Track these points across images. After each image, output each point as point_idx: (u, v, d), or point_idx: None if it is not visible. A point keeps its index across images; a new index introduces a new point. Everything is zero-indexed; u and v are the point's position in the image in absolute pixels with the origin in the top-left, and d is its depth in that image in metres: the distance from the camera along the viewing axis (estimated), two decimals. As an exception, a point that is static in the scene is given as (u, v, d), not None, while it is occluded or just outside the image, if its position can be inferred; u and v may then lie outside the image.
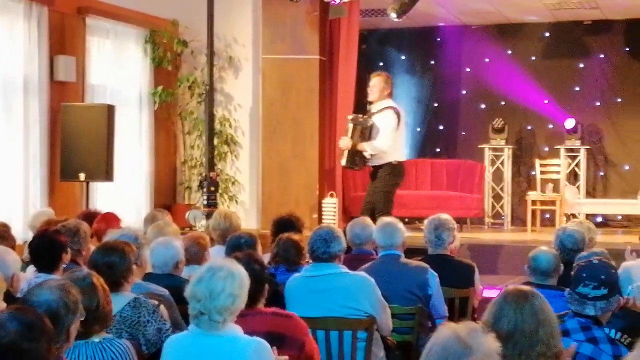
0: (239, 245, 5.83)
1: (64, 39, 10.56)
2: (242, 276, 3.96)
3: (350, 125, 10.04)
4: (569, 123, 13.72)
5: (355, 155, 10.07)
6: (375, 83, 10.04)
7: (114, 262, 4.80)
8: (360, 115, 10.17)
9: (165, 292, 5.21)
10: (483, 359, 2.63)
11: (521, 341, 3.31)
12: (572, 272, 4.27)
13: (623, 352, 3.85)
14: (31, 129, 10.06)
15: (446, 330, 2.71)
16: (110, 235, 5.81)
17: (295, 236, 6.08)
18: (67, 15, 10.63)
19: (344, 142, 10.07)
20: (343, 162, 10.25)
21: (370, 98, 10.12)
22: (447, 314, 5.98)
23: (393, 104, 10.15)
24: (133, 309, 4.66)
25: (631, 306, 4.92)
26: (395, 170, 10.10)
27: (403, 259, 6.06)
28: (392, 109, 10.03)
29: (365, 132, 9.95)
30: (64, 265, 5.58)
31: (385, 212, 9.61)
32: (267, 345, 3.92)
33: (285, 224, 6.87)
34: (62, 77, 10.40)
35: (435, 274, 5.93)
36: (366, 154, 10.02)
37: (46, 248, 5.56)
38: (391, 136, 9.95)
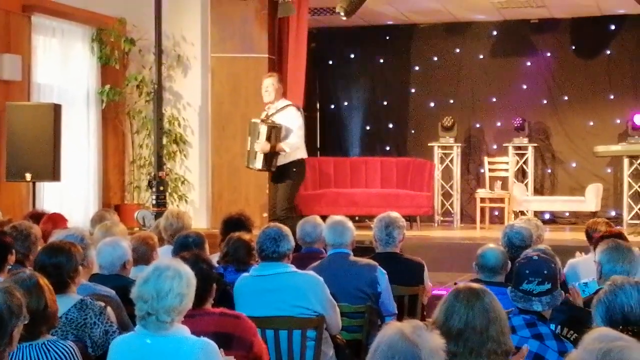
0: (187, 245, 5.79)
1: (9, 38, 10.42)
2: (189, 276, 3.93)
3: (264, 128, 9.97)
4: (517, 120, 13.85)
5: (273, 157, 10.08)
6: (270, 84, 10.15)
7: (61, 263, 4.73)
8: (264, 118, 10.13)
9: (112, 292, 5.15)
10: (429, 355, 2.64)
11: (472, 338, 3.32)
12: (512, 270, 4.29)
13: (568, 347, 3.88)
14: (-24, 129, 9.93)
15: (391, 329, 2.71)
16: (56, 236, 5.73)
17: (246, 236, 6.04)
18: (12, 14, 10.49)
19: (263, 146, 10.00)
20: (258, 165, 10.13)
21: (266, 99, 10.22)
22: (397, 312, 5.99)
23: (290, 101, 10.35)
24: (79, 310, 4.60)
25: (571, 300, 5.00)
26: (302, 168, 10.32)
27: (352, 257, 6.05)
28: (294, 107, 10.26)
29: (280, 133, 10.02)
30: (9, 267, 5.50)
31: (290, 208, 9.78)
32: (215, 345, 3.89)
33: (235, 223, 6.83)
34: (7, 76, 10.26)
35: (384, 271, 5.93)
36: (283, 154, 10.10)
37: (-10, 249, 5.48)
38: (301, 132, 10.20)
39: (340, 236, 6.10)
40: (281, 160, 10.15)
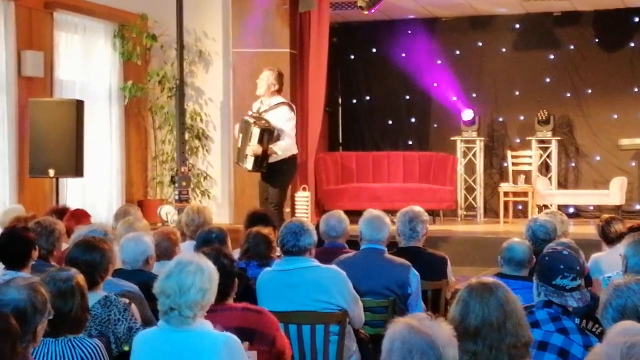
0: (210, 240, 5.79)
1: (31, 34, 10.46)
2: (211, 270, 3.93)
3: (257, 131, 9.80)
4: (541, 114, 13.77)
5: (264, 159, 9.95)
6: (264, 77, 10.02)
7: (95, 261, 4.74)
8: (256, 115, 10.02)
9: (135, 288, 5.16)
10: (445, 344, 2.62)
11: (490, 335, 3.29)
12: (541, 264, 4.24)
13: (593, 341, 3.85)
14: (-1, 125, 9.98)
15: (398, 326, 2.69)
16: (79, 232, 5.76)
17: (264, 230, 6.04)
18: (35, 10, 10.53)
19: (255, 150, 9.84)
20: (249, 166, 9.98)
21: (257, 92, 10.06)
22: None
23: (284, 99, 10.21)
24: (103, 307, 4.61)
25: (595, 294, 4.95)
26: (294, 164, 10.25)
27: (387, 255, 5.95)
28: (286, 105, 10.13)
29: (272, 136, 9.91)
30: (32, 262, 5.52)
31: (281, 205, 9.76)
32: (237, 340, 3.89)
33: (260, 218, 6.81)
34: (29, 72, 10.30)
35: (417, 273, 5.86)
36: (275, 156, 9.99)
37: (14, 245, 5.50)
38: (293, 132, 10.11)
39: (377, 231, 6.01)
40: (273, 158, 10.01)
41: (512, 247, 5.40)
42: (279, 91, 10.11)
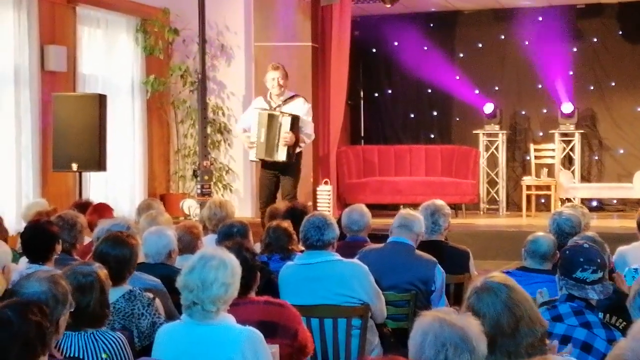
0: (231, 234, 5.79)
1: (54, 29, 10.49)
2: (234, 265, 3.93)
3: (287, 120, 9.81)
4: (567, 107, 13.69)
5: (294, 148, 9.96)
6: (275, 77, 9.92)
7: (124, 256, 4.77)
8: (271, 110, 10.02)
9: (158, 282, 5.18)
10: (477, 336, 2.61)
11: (505, 343, 3.20)
12: (562, 258, 4.22)
13: (617, 336, 3.83)
14: (22, 120, 10.01)
15: (427, 319, 2.67)
16: (102, 226, 5.78)
17: (284, 223, 6.03)
18: (58, 5, 10.57)
19: (290, 138, 9.80)
20: (282, 157, 9.89)
21: (275, 92, 9.98)
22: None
23: (295, 92, 10.22)
24: (127, 301, 4.62)
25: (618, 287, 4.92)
26: (300, 158, 10.23)
27: (417, 252, 5.89)
28: (302, 97, 10.16)
29: (298, 124, 9.93)
30: (55, 256, 5.55)
31: (297, 197, 9.76)
32: (260, 334, 3.89)
33: (301, 214, 6.70)
34: (53, 67, 10.34)
35: (443, 270, 5.84)
36: (303, 145, 10.07)
37: (38, 239, 5.53)
38: (313, 123, 10.21)
39: (409, 227, 5.95)
40: (298, 148, 10.06)
41: (537, 239, 5.39)
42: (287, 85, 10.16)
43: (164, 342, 3.99)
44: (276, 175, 10.07)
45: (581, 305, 4.01)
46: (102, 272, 4.11)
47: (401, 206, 12.19)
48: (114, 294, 4.51)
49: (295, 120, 9.87)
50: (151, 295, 4.76)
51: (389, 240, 6.01)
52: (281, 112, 9.90)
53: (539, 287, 4.68)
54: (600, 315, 4.23)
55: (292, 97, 10.05)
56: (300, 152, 10.12)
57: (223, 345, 3.81)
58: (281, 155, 9.88)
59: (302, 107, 10.04)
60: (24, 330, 3.04)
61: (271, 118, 9.90)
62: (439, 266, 5.82)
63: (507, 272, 5.30)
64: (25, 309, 3.10)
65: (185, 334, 3.89)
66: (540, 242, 5.36)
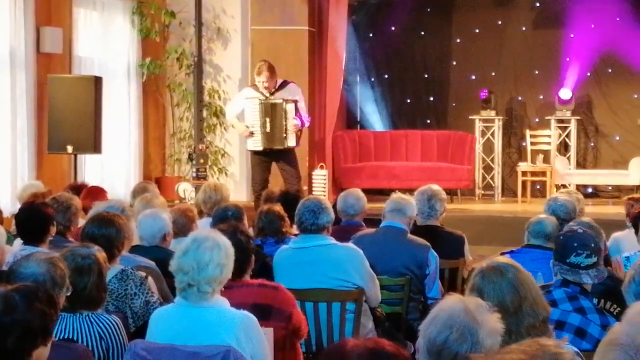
0: (226, 217, 5.79)
1: (50, 10, 10.45)
2: (228, 246, 3.94)
3: (291, 106, 10.03)
4: (565, 94, 13.67)
5: (300, 132, 10.24)
6: (262, 80, 10.02)
7: (110, 235, 4.77)
8: (263, 99, 10.14)
9: (152, 264, 5.18)
10: (488, 335, 2.60)
11: (508, 321, 3.22)
12: (556, 243, 4.24)
13: (611, 321, 3.83)
14: (18, 102, 9.98)
15: (454, 300, 2.67)
16: (96, 208, 5.77)
17: (276, 207, 6.04)
18: (53, -14, 10.53)
19: (297, 123, 10.08)
20: (293, 142, 10.14)
21: (271, 91, 10.08)
22: (440, 297, 5.89)
23: (284, 79, 10.35)
24: (120, 281, 4.63)
25: (614, 273, 4.95)
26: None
27: (409, 236, 5.92)
28: (291, 82, 10.33)
29: (297, 108, 10.18)
30: (50, 238, 5.54)
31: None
32: (254, 318, 3.90)
33: (296, 197, 6.72)
34: (48, 48, 10.30)
35: (436, 254, 5.86)
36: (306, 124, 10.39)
37: (32, 220, 5.53)
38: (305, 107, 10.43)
39: (402, 211, 5.97)
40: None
41: (541, 221, 5.51)
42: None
43: (158, 325, 3.99)
44: (270, 160, 10.16)
45: (576, 290, 4.01)
46: (101, 254, 4.11)
47: (396, 191, 12.23)
48: (107, 275, 4.51)
49: (296, 104, 10.04)
50: (143, 274, 4.77)
51: (382, 224, 6.01)
52: (283, 99, 9.96)
53: (546, 262, 4.75)
54: (595, 300, 4.24)
55: (282, 85, 10.18)
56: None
57: (217, 328, 3.81)
58: (291, 142, 10.09)
59: (295, 92, 10.21)
60: (28, 318, 3.01)
61: (274, 107, 9.98)
62: (432, 250, 5.84)
63: (512, 252, 5.37)
64: (33, 296, 3.07)
65: (179, 317, 3.89)
66: (544, 224, 5.47)
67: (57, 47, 10.41)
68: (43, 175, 9.93)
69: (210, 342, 3.77)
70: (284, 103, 10.01)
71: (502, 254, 5.29)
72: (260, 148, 10.12)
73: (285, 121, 9.96)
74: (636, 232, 5.69)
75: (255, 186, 10.16)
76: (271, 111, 9.98)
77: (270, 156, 10.16)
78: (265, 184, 9.94)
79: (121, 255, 4.88)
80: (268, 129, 9.98)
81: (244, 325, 3.84)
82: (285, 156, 10.13)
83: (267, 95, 10.05)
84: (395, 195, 6.13)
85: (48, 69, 10.28)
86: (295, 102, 10.10)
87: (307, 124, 10.46)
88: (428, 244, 5.88)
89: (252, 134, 10.06)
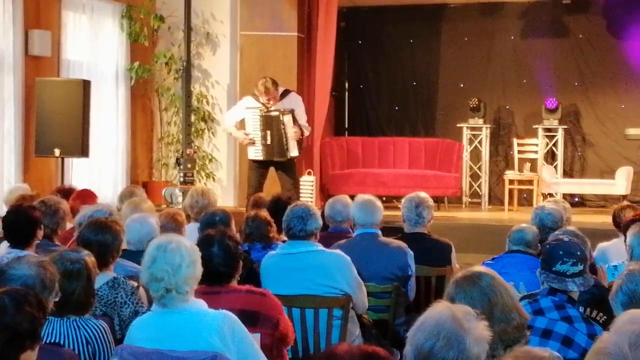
0: (214, 223, 5.77)
1: (39, 13, 10.43)
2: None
3: (288, 118, 10.09)
4: (551, 103, 13.72)
5: (301, 141, 10.34)
6: (271, 97, 10.08)
7: (107, 241, 4.75)
8: (268, 109, 10.22)
9: (140, 269, 5.15)
10: (474, 343, 2.61)
11: None
12: (543, 252, 4.26)
13: (597, 330, 3.84)
14: (6, 104, 9.96)
15: (442, 307, 2.68)
16: (84, 212, 5.75)
17: (262, 213, 6.05)
18: (43, -11, 10.51)
19: (297, 132, 10.15)
20: (295, 152, 10.24)
21: (274, 105, 10.15)
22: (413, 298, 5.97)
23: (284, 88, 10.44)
24: (111, 288, 4.61)
25: (600, 281, 4.98)
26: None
27: (382, 238, 6.01)
28: (292, 92, 10.45)
29: (295, 117, 10.24)
30: (37, 241, 5.52)
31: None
32: (235, 316, 3.88)
33: (285, 205, 6.71)
34: (37, 51, 10.28)
35: (412, 254, 5.91)
36: (303, 136, 10.47)
37: (19, 223, 5.50)
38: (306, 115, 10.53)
39: (370, 216, 6.04)
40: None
41: (522, 229, 5.63)
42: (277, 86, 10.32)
43: (138, 333, 3.93)
44: (268, 167, 10.21)
45: (563, 299, 4.03)
46: (91, 259, 4.09)
47: (384, 198, 12.25)
48: (99, 281, 4.49)
49: (293, 114, 10.11)
50: (135, 284, 4.74)
51: (355, 233, 6.07)
52: (279, 111, 10.01)
53: (528, 265, 4.77)
54: (581, 309, 4.25)
55: (285, 93, 10.29)
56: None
57: (200, 329, 3.79)
58: (293, 152, 10.20)
59: (295, 101, 10.31)
60: (17, 322, 3.01)
61: (272, 119, 10.03)
62: (410, 251, 5.89)
63: (494, 259, 5.46)
64: (23, 299, 3.06)
65: (160, 324, 3.85)
66: (525, 232, 5.58)
67: (45, 50, 10.40)
68: (30, 178, 9.90)
69: (195, 346, 3.75)
70: (281, 115, 10.09)
71: (484, 263, 5.37)
72: (261, 158, 10.19)
73: (285, 132, 10.03)
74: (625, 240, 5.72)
75: (250, 190, 10.16)
76: (270, 123, 10.08)
77: (270, 164, 10.26)
78: (261, 190, 9.96)
79: (115, 262, 4.87)
80: (268, 142, 10.09)
81: (226, 323, 3.82)
82: (285, 165, 10.21)
83: (268, 107, 10.11)
84: (360, 200, 6.15)
85: (36, 72, 10.26)
86: (292, 111, 10.14)
87: (307, 133, 10.56)
88: (404, 244, 5.94)
89: (253, 142, 10.12)
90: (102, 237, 4.75)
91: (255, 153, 10.26)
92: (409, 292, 5.94)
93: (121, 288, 4.61)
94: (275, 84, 10.12)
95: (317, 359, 2.92)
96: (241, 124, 10.54)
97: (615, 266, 5.31)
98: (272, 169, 10.35)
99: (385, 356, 2.48)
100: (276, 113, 10.11)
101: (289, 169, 10.27)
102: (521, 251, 5.52)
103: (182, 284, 3.81)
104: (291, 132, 10.05)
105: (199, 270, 3.91)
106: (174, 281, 3.79)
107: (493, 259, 5.62)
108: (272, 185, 10.31)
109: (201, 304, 3.90)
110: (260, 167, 10.25)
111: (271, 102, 10.08)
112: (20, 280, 3.52)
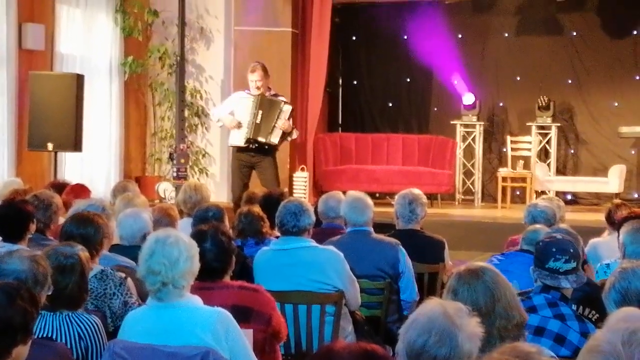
0: (207, 218, 5.77)
1: (32, 7, 10.40)
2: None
3: (288, 108, 10.14)
4: (543, 100, 13.73)
5: (286, 136, 10.31)
6: (255, 79, 10.06)
7: (89, 234, 4.75)
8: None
9: (132, 264, 5.14)
10: (466, 340, 2.61)
11: (480, 321, 3.28)
12: (535, 250, 4.27)
13: (590, 329, 3.85)
14: (-1, 98, 9.94)
15: (434, 304, 2.68)
16: (77, 206, 5.74)
17: (255, 208, 6.05)
18: (36, -17, 10.48)
19: (288, 125, 10.15)
20: (275, 140, 10.13)
21: (261, 91, 10.10)
22: (417, 298, 5.92)
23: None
24: (99, 281, 4.60)
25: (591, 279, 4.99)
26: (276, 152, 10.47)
27: (374, 235, 5.99)
28: (283, 97, 10.44)
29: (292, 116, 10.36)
30: (29, 236, 5.51)
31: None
32: (229, 314, 3.88)
33: (277, 201, 6.70)
34: (30, 45, 10.26)
35: (404, 251, 5.89)
36: (289, 139, 10.62)
37: (12, 217, 5.48)
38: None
39: (360, 215, 6.01)
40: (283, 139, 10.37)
41: (536, 230, 5.59)
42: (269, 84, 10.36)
43: (132, 327, 3.93)
44: (250, 166, 10.13)
45: (556, 296, 4.03)
46: (85, 254, 4.09)
47: (377, 194, 12.26)
48: (88, 274, 4.49)
49: (293, 111, 10.23)
50: (123, 275, 4.74)
51: (348, 230, 6.06)
52: (284, 100, 10.04)
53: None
54: (574, 306, 4.26)
55: (275, 96, 10.26)
56: (277, 146, 10.27)
57: (194, 327, 3.79)
58: (274, 139, 10.09)
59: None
60: (9, 315, 3.00)
61: (271, 102, 10.03)
62: (401, 247, 5.87)
63: (503, 254, 5.51)
64: (15, 293, 3.06)
65: (154, 318, 3.85)
66: (538, 233, 5.51)
67: (39, 44, 10.37)
68: (22, 172, 9.87)
69: (188, 341, 3.75)
70: (283, 103, 10.12)
71: (493, 256, 5.44)
72: (243, 142, 10.07)
73: (278, 117, 10.00)
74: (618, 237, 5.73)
75: (234, 191, 10.13)
76: (267, 105, 10.04)
77: (250, 158, 10.12)
78: (243, 191, 9.94)
79: (100, 255, 4.86)
80: (258, 120, 10.01)
81: (221, 321, 3.82)
82: (265, 162, 10.11)
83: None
84: (350, 199, 6.13)
85: (30, 66, 10.23)
86: (293, 110, 10.25)
87: (294, 135, 10.58)
88: (396, 241, 5.93)
89: (240, 126, 10.04)
90: (84, 230, 4.75)
91: (237, 138, 10.13)
92: (408, 291, 5.89)
93: (109, 280, 4.61)
94: (265, 69, 10.09)
95: (314, 356, 2.91)
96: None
97: (608, 264, 5.33)
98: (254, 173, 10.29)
99: (384, 355, 2.48)
100: (281, 99, 10.19)
101: (270, 166, 10.16)
102: (530, 252, 5.45)
103: (179, 278, 3.81)
104: (283, 120, 10.03)
105: (196, 265, 3.90)
106: (171, 275, 3.79)
107: (503, 254, 5.68)
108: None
109: (196, 300, 3.90)
110: (243, 167, 10.16)
111: (259, 85, 10.02)
112: (12, 274, 3.52)
